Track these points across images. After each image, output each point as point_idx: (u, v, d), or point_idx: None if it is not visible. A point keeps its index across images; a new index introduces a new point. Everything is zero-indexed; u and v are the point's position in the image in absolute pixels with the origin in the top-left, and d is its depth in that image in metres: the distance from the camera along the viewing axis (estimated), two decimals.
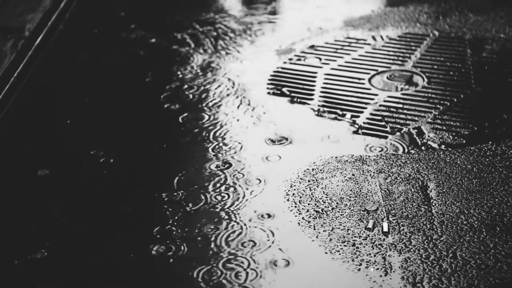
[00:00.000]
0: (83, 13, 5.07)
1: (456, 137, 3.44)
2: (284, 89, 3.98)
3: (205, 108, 3.83)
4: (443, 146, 3.38)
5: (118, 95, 4.05)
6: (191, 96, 3.95)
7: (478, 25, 4.55)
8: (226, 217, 2.99)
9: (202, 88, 4.02)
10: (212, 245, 2.84)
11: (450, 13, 4.75)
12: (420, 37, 4.47)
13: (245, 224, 2.94)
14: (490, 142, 3.37)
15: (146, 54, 4.49)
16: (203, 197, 3.11)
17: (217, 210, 3.04)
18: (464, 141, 3.41)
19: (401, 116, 3.66)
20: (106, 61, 4.41)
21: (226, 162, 3.35)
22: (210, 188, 3.18)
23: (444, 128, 3.52)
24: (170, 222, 2.98)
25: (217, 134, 3.58)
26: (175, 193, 3.15)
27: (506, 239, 2.75)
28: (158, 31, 4.73)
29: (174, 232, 2.91)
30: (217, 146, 3.48)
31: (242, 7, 5.14)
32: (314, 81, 4.06)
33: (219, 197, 3.11)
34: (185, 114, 3.77)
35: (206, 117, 3.74)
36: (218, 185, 3.19)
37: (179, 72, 4.20)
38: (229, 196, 3.11)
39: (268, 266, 2.72)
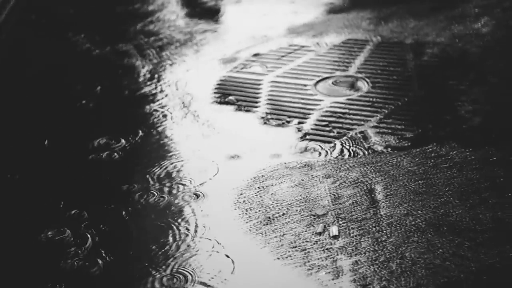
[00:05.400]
0: (19, 23, 4.99)
1: (400, 140, 3.49)
2: (230, 98, 3.98)
3: (150, 119, 3.81)
4: (388, 149, 3.43)
5: (57, 110, 4.00)
6: (136, 107, 3.92)
7: (419, 30, 4.63)
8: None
9: (147, 98, 4.00)
10: (159, 258, 2.82)
11: (391, 19, 4.83)
12: (363, 43, 4.54)
13: (194, 235, 2.94)
14: (434, 144, 3.44)
15: (90, 65, 4.45)
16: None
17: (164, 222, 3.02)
18: (408, 144, 3.46)
19: (347, 121, 3.70)
20: (47, 74, 4.35)
21: (171, 173, 3.34)
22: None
23: (388, 131, 3.57)
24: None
25: (163, 146, 3.56)
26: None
27: (452, 238, 2.80)
28: (101, 42, 4.68)
29: None
30: (162, 158, 3.47)
31: (186, 16, 5.14)
32: (260, 89, 4.07)
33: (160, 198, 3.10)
34: (129, 126, 3.74)
35: (151, 128, 3.71)
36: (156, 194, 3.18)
37: (123, 83, 4.16)
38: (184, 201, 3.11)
39: (217, 275, 2.71)
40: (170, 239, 2.90)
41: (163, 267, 2.75)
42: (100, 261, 2.79)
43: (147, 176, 3.31)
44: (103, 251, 2.84)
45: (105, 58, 4.50)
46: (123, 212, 3.08)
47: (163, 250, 2.84)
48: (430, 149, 3.40)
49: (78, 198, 3.19)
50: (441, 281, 2.60)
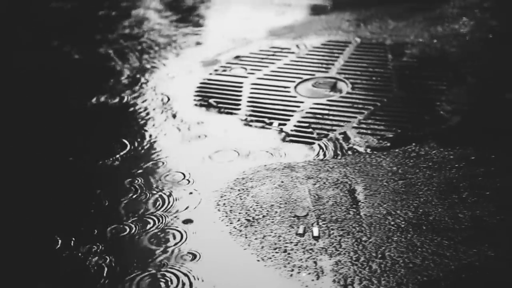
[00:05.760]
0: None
1: (381, 140, 3.52)
2: (211, 100, 3.99)
3: (131, 123, 3.81)
4: (368, 150, 3.45)
5: (42, 114, 3.99)
6: (117, 112, 3.92)
7: (398, 31, 4.67)
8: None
9: (129, 103, 4.00)
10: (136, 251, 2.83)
11: (371, 20, 4.86)
12: (343, 44, 4.56)
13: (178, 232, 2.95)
14: (413, 144, 3.46)
15: (69, 69, 4.44)
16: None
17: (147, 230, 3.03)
18: (388, 144, 3.49)
19: (327, 122, 3.72)
20: (26, 78, 4.34)
21: (151, 176, 3.35)
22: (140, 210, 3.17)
23: (369, 132, 3.60)
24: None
25: (144, 149, 3.57)
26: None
27: (432, 237, 2.83)
28: (81, 46, 4.68)
29: None
30: (143, 161, 3.47)
31: (166, 20, 5.14)
32: (241, 91, 4.09)
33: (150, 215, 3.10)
34: (112, 130, 3.74)
35: (134, 132, 3.71)
36: (142, 203, 3.19)
37: (104, 88, 4.16)
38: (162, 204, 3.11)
39: (199, 277, 2.72)
40: (153, 242, 2.91)
41: (147, 269, 2.76)
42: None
43: (129, 180, 3.32)
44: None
45: (85, 62, 4.50)
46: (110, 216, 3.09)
47: (144, 254, 2.85)
48: (410, 149, 3.43)
49: (71, 205, 3.20)
50: (420, 280, 2.63)
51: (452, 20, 4.78)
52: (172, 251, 2.86)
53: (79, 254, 2.85)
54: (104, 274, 2.75)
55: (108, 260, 2.81)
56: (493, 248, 2.75)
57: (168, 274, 2.73)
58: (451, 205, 3.00)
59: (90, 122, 3.86)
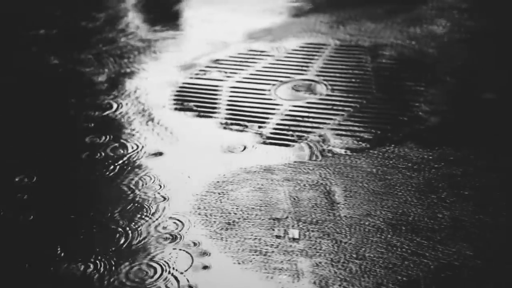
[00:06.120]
0: None
1: (359, 142, 3.52)
2: (190, 104, 3.98)
3: (111, 127, 3.78)
4: (347, 151, 3.45)
5: (19, 121, 3.96)
6: (95, 116, 3.89)
7: (376, 33, 4.68)
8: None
9: (107, 107, 3.97)
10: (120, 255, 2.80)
11: (349, 22, 4.87)
12: (321, 47, 4.56)
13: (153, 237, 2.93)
14: (392, 145, 3.47)
15: (48, 76, 4.40)
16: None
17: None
18: (367, 145, 3.49)
19: (306, 124, 3.72)
20: (6, 84, 4.30)
21: (130, 181, 3.33)
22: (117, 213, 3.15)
23: (348, 133, 3.60)
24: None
25: (123, 154, 3.55)
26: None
27: (411, 237, 2.83)
28: (59, 51, 4.64)
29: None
30: (123, 164, 3.45)
31: (145, 24, 5.12)
32: (219, 95, 4.07)
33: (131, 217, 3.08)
34: (90, 136, 3.71)
35: (112, 137, 3.69)
36: (127, 204, 3.16)
37: (82, 92, 4.13)
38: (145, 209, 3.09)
39: (176, 282, 2.70)
40: (137, 249, 2.89)
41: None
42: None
43: (107, 187, 3.29)
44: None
45: (63, 67, 4.47)
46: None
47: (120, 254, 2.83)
48: (389, 150, 3.43)
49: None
50: (400, 280, 2.63)
51: (429, 22, 4.79)
52: (159, 256, 2.84)
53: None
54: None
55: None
56: (472, 248, 2.75)
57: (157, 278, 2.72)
58: (430, 205, 3.01)
59: (68, 128, 3.83)
